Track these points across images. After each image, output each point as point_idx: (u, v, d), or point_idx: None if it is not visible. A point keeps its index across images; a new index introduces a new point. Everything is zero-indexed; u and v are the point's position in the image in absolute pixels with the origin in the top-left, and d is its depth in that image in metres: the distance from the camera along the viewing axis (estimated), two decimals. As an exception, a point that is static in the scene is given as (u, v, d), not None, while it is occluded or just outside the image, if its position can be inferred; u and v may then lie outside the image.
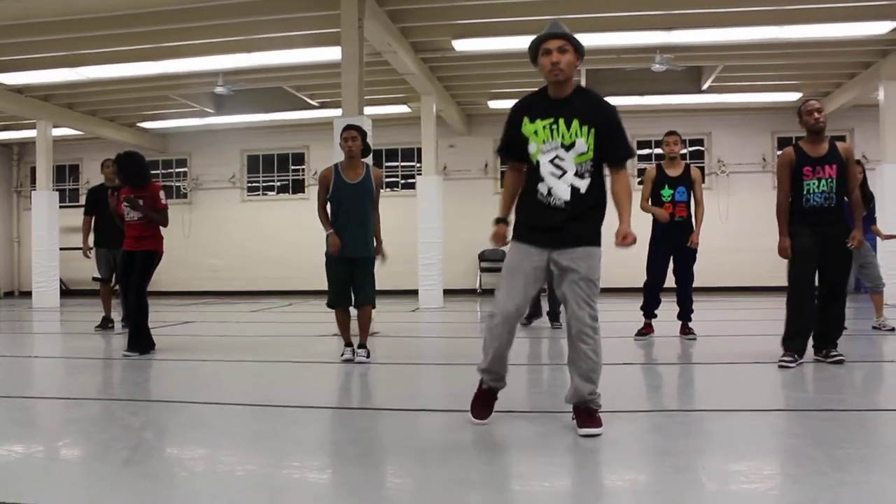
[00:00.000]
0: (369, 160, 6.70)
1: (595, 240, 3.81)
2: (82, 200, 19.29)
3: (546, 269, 3.85)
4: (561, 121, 3.75)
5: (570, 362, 3.85)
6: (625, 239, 3.75)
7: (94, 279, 9.84)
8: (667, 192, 7.60)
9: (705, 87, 15.07)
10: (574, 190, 3.76)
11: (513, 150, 3.98)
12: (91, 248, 9.51)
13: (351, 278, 6.39)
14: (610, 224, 3.84)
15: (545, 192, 3.79)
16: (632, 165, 17.36)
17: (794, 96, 15.49)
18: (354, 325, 6.61)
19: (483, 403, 4.06)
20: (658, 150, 16.72)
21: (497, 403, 4.14)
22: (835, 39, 11.92)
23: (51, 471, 3.38)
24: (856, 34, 11.58)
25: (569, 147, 3.74)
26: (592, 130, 3.74)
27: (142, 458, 3.50)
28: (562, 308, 4.35)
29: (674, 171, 7.65)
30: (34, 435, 4.13)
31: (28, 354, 7.81)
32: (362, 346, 6.55)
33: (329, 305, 6.53)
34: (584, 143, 3.74)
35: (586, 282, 3.75)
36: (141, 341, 7.11)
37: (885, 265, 10.55)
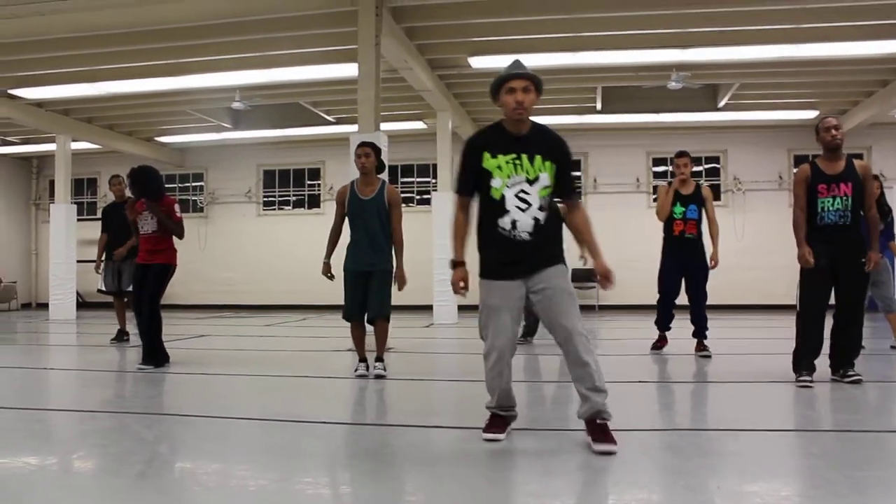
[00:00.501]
0: (385, 176, 6.73)
1: (560, 258, 3.99)
2: (100, 213, 19.55)
3: (525, 297, 3.95)
4: (524, 156, 3.90)
5: (577, 379, 3.87)
6: (607, 279, 3.89)
7: (99, 291, 9.92)
8: (678, 210, 7.71)
9: (721, 104, 15.05)
10: (536, 221, 3.89)
11: (471, 185, 4.04)
12: (101, 264, 9.61)
13: (365, 291, 6.40)
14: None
15: (509, 226, 3.88)
16: (647, 183, 17.35)
17: (811, 114, 15.42)
18: (370, 341, 6.62)
19: (496, 425, 4.07)
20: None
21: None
22: (852, 58, 11.88)
23: (65, 483, 3.40)
24: (873, 52, 11.54)
25: (533, 181, 3.89)
26: (555, 166, 3.91)
27: (156, 471, 3.51)
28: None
29: (685, 190, 7.78)
30: (49, 447, 4.15)
31: (44, 366, 7.86)
32: (380, 359, 6.57)
33: (344, 318, 6.57)
34: (547, 178, 3.90)
35: (568, 294, 3.88)
36: (155, 354, 7.14)
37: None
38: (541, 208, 3.89)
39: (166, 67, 12.20)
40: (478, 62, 11.97)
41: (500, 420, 4.08)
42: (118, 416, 4.97)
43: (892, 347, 8.06)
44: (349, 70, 10.70)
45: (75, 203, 16.76)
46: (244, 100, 13.88)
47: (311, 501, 3.11)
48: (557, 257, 3.96)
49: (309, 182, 19.25)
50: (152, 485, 3.28)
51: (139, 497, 3.10)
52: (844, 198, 5.71)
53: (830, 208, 5.73)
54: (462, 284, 3.99)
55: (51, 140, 16.41)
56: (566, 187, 4.01)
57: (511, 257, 3.90)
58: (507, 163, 3.88)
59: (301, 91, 14.29)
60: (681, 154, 7.81)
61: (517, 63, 3.97)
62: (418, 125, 16.30)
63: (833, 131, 5.73)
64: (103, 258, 9.61)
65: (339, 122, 16.34)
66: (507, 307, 3.91)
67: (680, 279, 7.80)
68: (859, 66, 12.60)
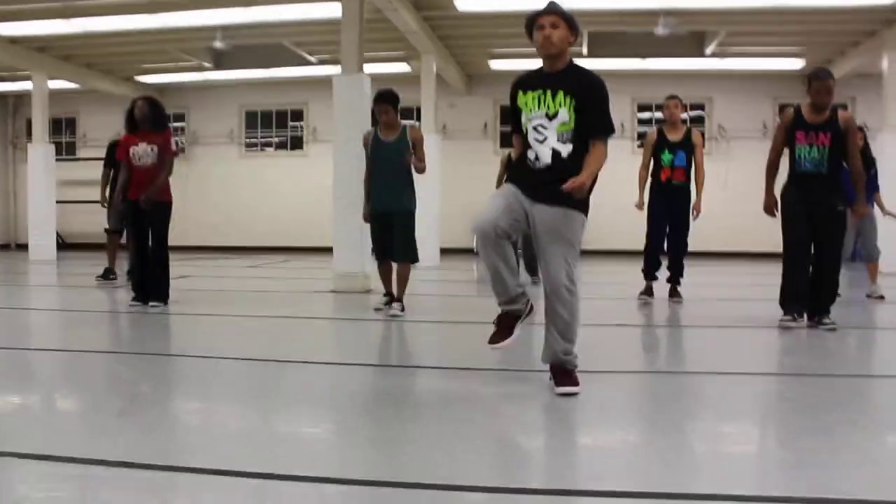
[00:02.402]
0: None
1: (576, 204, 3.77)
2: (80, 154, 19.32)
3: (525, 211, 3.83)
4: (548, 92, 3.85)
5: (548, 325, 3.88)
6: (573, 185, 3.61)
7: (107, 231, 9.71)
8: (667, 157, 7.63)
9: (708, 52, 14.93)
10: (555, 153, 3.81)
11: (518, 124, 4.06)
12: (107, 200, 9.41)
13: (388, 233, 6.68)
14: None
15: (533, 158, 3.89)
16: (632, 129, 17.30)
17: (797, 63, 15.37)
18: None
19: (502, 329, 3.97)
20: (658, 115, 16.65)
21: (489, 362, 4.19)
22: (839, 7, 11.81)
23: (47, 421, 3.42)
24: (861, 3, 11.46)
25: (552, 116, 3.82)
26: (574, 101, 3.78)
27: (137, 410, 3.54)
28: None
29: (674, 136, 7.68)
30: (31, 386, 4.16)
31: (25, 307, 7.84)
32: (398, 300, 6.81)
33: (374, 256, 7.09)
34: (566, 113, 3.79)
35: (564, 242, 3.78)
36: (166, 290, 7.18)
37: (884, 235, 10.58)
38: (561, 142, 3.80)
39: (146, 4, 11.94)
40: (463, 4, 11.80)
41: (505, 321, 3.96)
42: (101, 356, 4.99)
43: (868, 296, 8.17)
44: (333, 10, 10.49)
45: (54, 143, 16.51)
46: (226, 39, 13.64)
47: (292, 440, 3.15)
48: (572, 199, 3.71)
49: (292, 123, 19.05)
50: (134, 423, 3.30)
51: (121, 435, 3.11)
52: (822, 148, 5.72)
53: (807, 157, 5.76)
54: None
55: (27, 78, 16.07)
56: (587, 126, 3.81)
57: (529, 179, 3.87)
58: (533, 99, 3.88)
59: (284, 31, 14.05)
60: (671, 97, 7.77)
61: (551, 1, 3.90)
62: (403, 67, 16.10)
63: (825, 97, 5.70)
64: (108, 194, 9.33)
65: (322, 63, 16.10)
66: (507, 197, 3.86)
67: (665, 226, 7.80)
68: (847, 16, 12.53)
